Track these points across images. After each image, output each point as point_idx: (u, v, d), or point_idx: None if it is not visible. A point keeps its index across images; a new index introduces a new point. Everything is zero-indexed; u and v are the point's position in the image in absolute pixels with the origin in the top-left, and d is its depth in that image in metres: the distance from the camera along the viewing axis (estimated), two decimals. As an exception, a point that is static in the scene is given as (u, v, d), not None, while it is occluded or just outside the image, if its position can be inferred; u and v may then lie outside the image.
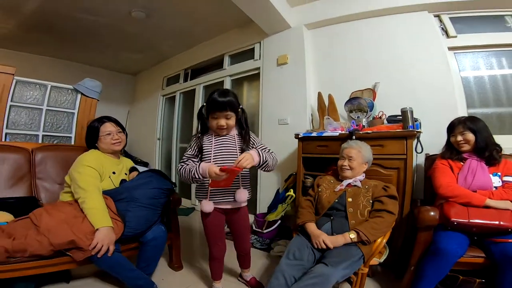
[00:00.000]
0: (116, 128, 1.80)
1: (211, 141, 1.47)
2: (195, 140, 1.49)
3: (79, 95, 2.52)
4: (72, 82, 2.52)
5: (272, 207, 2.58)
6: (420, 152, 1.91)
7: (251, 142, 1.51)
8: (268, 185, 2.97)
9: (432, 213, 1.38)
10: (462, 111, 2.21)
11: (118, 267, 1.45)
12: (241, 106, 1.49)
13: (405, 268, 1.50)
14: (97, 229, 1.36)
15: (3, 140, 2.14)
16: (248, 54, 3.50)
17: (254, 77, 3.44)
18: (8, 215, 1.49)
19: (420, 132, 1.91)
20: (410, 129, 1.84)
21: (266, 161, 1.40)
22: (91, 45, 4.15)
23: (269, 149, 1.52)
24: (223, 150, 1.45)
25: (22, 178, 1.84)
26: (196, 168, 1.35)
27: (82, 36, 3.81)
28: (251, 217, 2.81)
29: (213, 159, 1.42)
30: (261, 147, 1.49)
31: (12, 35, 3.67)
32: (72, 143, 2.47)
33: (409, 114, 1.86)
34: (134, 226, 1.52)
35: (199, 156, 1.47)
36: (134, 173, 1.80)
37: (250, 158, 1.29)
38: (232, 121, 1.44)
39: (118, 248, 1.44)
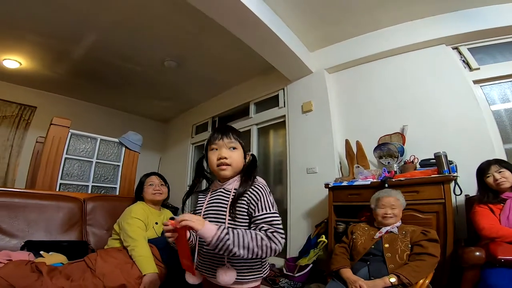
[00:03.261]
0: (159, 180, 2.02)
1: (205, 198, 1.09)
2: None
3: (123, 148, 2.77)
4: (112, 128, 2.76)
5: (303, 252, 2.55)
6: (459, 195, 1.88)
7: (252, 202, 0.96)
8: (298, 230, 2.92)
9: (477, 253, 1.43)
10: (498, 148, 2.13)
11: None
12: (251, 152, 1.15)
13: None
14: (144, 275, 1.47)
15: (57, 189, 2.36)
16: (273, 101, 3.60)
17: (280, 125, 3.50)
18: (62, 256, 1.63)
19: (457, 176, 1.88)
20: (446, 174, 1.82)
21: (226, 244, 0.84)
22: (127, 92, 4.59)
23: (274, 227, 0.92)
24: (210, 210, 1.04)
25: (75, 224, 1.99)
26: None
27: (120, 84, 4.26)
28: (282, 261, 2.78)
29: None
30: (262, 219, 0.93)
31: (62, 80, 4.11)
32: (117, 193, 2.68)
33: (443, 158, 1.85)
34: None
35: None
36: None
37: (197, 220, 0.84)
38: (237, 155, 1.04)
39: (161, 291, 1.53)
